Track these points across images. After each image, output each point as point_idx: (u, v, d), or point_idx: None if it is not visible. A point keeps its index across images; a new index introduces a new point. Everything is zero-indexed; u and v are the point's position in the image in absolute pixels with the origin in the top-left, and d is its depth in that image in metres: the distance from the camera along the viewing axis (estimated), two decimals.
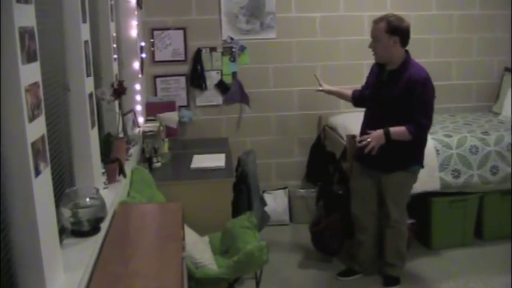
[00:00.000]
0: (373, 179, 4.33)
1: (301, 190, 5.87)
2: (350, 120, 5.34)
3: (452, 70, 6.12)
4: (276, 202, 5.75)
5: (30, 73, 1.92)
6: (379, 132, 3.99)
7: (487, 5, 6.07)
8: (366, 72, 5.85)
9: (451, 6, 5.99)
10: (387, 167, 4.19)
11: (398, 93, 4.01)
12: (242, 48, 5.75)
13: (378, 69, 4.22)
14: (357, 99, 4.55)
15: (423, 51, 5.84)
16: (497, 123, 5.52)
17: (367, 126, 4.15)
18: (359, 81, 5.87)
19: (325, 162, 5.59)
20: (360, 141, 4.08)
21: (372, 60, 4.29)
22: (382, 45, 4.03)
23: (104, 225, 2.75)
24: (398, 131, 4.00)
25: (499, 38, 6.17)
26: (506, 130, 5.18)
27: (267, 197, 5.48)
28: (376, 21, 4.04)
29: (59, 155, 2.69)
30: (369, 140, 3.98)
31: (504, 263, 4.75)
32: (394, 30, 3.97)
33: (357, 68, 5.96)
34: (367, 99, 4.33)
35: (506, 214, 5.14)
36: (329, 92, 4.78)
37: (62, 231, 2.53)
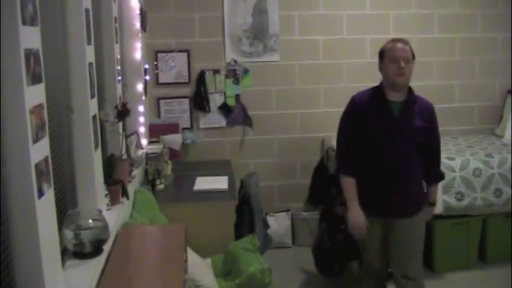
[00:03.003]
0: (383, 228, 3.76)
1: (304, 212, 5.86)
2: None
3: (454, 93, 6.14)
4: (278, 224, 5.74)
5: (35, 95, 1.93)
6: (432, 210, 3.87)
7: (489, 28, 6.11)
8: None
9: (453, 29, 6.02)
10: (406, 210, 3.67)
11: (423, 124, 3.59)
12: (245, 71, 5.77)
13: (379, 105, 3.61)
14: (353, 161, 3.71)
15: (425, 74, 5.87)
16: (500, 145, 5.52)
17: (387, 172, 3.58)
18: None
19: (328, 184, 5.58)
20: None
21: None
22: (411, 68, 3.54)
23: (107, 247, 2.75)
24: (436, 191, 3.91)
25: (500, 60, 6.19)
26: (509, 152, 5.17)
27: (270, 220, 5.47)
28: (403, 42, 3.57)
29: (62, 176, 2.70)
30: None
31: (507, 286, 4.72)
32: (414, 56, 3.58)
33: (358, 90, 5.96)
34: (380, 143, 3.59)
35: (510, 236, 5.12)
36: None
37: (64, 253, 2.52)
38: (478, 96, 6.15)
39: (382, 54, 3.62)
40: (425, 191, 3.77)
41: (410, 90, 3.64)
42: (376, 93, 3.66)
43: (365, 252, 3.92)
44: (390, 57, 3.53)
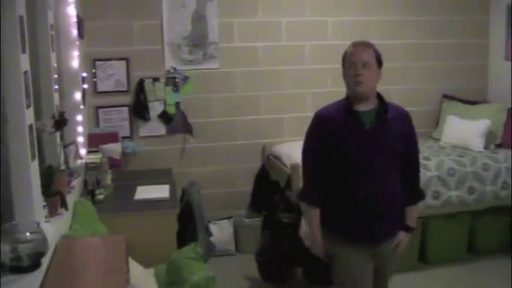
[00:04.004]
0: (368, 257, 3.31)
1: (247, 219, 5.86)
2: (294, 149, 5.36)
3: (392, 97, 6.18)
4: (221, 232, 5.72)
5: None
6: (405, 236, 3.33)
7: (425, 34, 6.26)
8: (309, 101, 5.98)
9: (391, 36, 6.13)
10: (390, 231, 3.32)
11: (399, 133, 3.23)
12: (185, 79, 5.74)
13: (347, 118, 3.20)
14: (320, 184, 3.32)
15: None
16: (438, 148, 5.67)
17: (361, 189, 3.16)
18: (302, 110, 5.97)
19: (270, 191, 5.60)
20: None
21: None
22: (372, 74, 3.14)
23: (45, 260, 2.68)
24: (416, 213, 3.42)
25: (436, 65, 6.36)
26: (446, 155, 5.31)
27: (213, 227, 5.45)
28: (363, 45, 3.20)
29: None
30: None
31: (496, 276, 5.03)
32: (381, 63, 3.21)
33: (299, 96, 6.03)
34: (353, 161, 3.16)
35: (449, 238, 5.26)
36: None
37: (0, 268, 2.45)
38: (416, 101, 6.27)
39: (343, 60, 3.23)
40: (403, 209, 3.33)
41: (380, 97, 3.24)
42: (342, 105, 3.23)
43: (352, 285, 3.30)
44: (348, 62, 3.17)
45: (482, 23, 6.47)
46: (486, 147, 5.63)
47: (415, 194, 3.39)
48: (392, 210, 3.24)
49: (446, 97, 6.38)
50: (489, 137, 5.69)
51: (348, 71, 3.16)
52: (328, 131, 3.22)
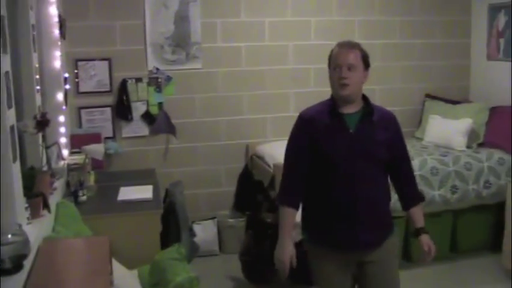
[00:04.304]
0: (350, 268, 3.18)
1: (230, 220, 5.86)
2: (277, 149, 5.38)
3: (375, 97, 6.24)
4: (205, 232, 5.71)
5: None
6: (427, 238, 3.19)
7: (407, 34, 6.29)
8: (292, 101, 6.00)
9: (374, 36, 6.16)
10: (374, 239, 3.13)
11: (385, 137, 3.11)
12: (168, 79, 5.73)
13: (331, 120, 3.09)
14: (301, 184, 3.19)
15: None
16: (421, 148, 5.70)
17: (342, 193, 3.05)
18: (285, 110, 5.99)
19: (253, 191, 5.60)
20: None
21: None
22: (358, 76, 3.03)
23: (28, 263, 2.66)
24: (421, 213, 3.25)
25: (419, 65, 6.40)
26: (429, 155, 5.34)
27: (196, 228, 5.45)
28: (349, 45, 3.09)
29: None
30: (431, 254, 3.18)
31: (478, 274, 5.13)
32: (368, 63, 3.12)
33: (282, 96, 6.04)
34: (336, 165, 3.05)
35: (432, 237, 5.28)
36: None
37: None
38: (398, 101, 6.30)
39: (329, 60, 3.12)
40: (391, 213, 3.23)
41: (365, 99, 3.14)
42: (327, 107, 3.12)
43: None
44: (333, 64, 3.06)
45: (464, 23, 6.53)
46: (469, 147, 5.68)
47: (414, 196, 3.26)
48: (374, 216, 3.09)
49: (429, 97, 6.42)
50: (471, 136, 5.74)
51: (333, 73, 3.05)
52: (311, 132, 3.11)
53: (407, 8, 6.30)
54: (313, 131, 3.10)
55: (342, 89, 3.01)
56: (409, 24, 6.32)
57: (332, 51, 3.11)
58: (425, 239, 3.17)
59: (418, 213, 3.22)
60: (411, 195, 3.25)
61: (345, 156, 3.03)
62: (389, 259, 3.19)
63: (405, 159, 3.24)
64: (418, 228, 3.20)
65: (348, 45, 3.08)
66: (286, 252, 3.12)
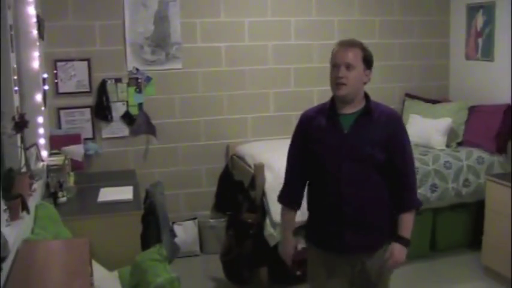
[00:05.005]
0: (346, 273, 3.13)
1: (211, 220, 5.85)
2: (257, 149, 5.40)
3: None
4: (185, 233, 5.71)
5: None
6: (399, 248, 3.07)
7: (386, 34, 6.33)
8: (272, 101, 6.01)
9: (353, 36, 6.15)
10: (364, 245, 3.08)
11: (381, 139, 3.00)
12: (148, 79, 5.71)
13: (328, 120, 3.05)
14: (302, 184, 3.23)
15: (325, 80, 5.98)
16: None
17: (331, 194, 3.02)
18: (265, 110, 6.01)
19: (233, 191, 5.59)
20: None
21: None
22: (356, 75, 2.96)
23: (6, 265, 2.64)
24: (409, 222, 3.11)
25: (398, 65, 6.45)
26: None
27: (177, 228, 5.44)
28: (349, 44, 3.02)
29: None
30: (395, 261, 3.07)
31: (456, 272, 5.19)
32: (370, 63, 3.05)
33: (262, 96, 6.05)
34: (327, 166, 3.03)
35: (412, 235, 5.32)
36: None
37: None
38: (378, 100, 6.27)
39: (330, 59, 3.05)
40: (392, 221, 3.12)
41: (367, 98, 3.07)
42: (326, 107, 3.08)
43: None
44: (332, 63, 3.00)
45: (442, 23, 6.58)
46: (448, 146, 5.73)
47: (405, 201, 3.10)
48: (364, 219, 3.02)
49: (409, 96, 6.46)
50: (451, 135, 5.79)
51: (331, 73, 3.00)
52: (307, 132, 3.10)
53: (387, 8, 6.35)
54: (309, 131, 3.09)
55: (338, 89, 2.96)
56: (388, 24, 6.37)
57: (333, 49, 3.04)
58: (395, 247, 3.05)
59: (404, 221, 3.08)
60: (404, 200, 3.10)
61: (333, 157, 2.98)
62: (382, 268, 3.11)
63: (404, 161, 3.09)
64: (398, 236, 3.07)
65: (348, 44, 3.01)
66: (287, 246, 3.29)
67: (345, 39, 3.10)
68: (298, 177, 3.20)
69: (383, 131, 3.00)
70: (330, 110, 3.05)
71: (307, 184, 3.23)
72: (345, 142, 2.97)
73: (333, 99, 3.08)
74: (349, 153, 2.96)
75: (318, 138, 3.04)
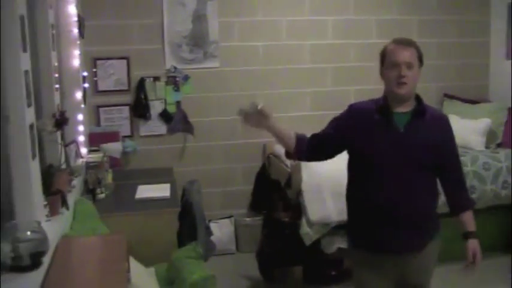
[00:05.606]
0: (393, 274, 3.11)
1: (247, 219, 5.86)
2: None
3: None
4: (221, 231, 5.73)
5: None
6: (476, 242, 3.10)
7: (426, 34, 6.25)
8: (308, 100, 6.00)
9: (390, 35, 6.11)
10: (414, 243, 3.06)
11: (435, 140, 3.00)
12: (185, 78, 5.74)
13: (380, 117, 3.00)
14: (314, 148, 3.19)
15: (362, 79, 5.95)
16: None
17: (383, 193, 2.97)
18: (301, 109, 5.99)
19: (270, 190, 5.60)
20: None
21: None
22: (415, 74, 2.96)
23: (46, 260, 2.68)
24: (472, 218, 3.14)
25: (437, 64, 6.35)
26: None
27: (213, 226, 5.46)
28: (407, 43, 3.03)
29: None
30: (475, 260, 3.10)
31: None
32: (422, 62, 3.04)
33: (298, 95, 6.03)
34: (379, 164, 2.98)
35: (449, 237, 5.26)
36: (268, 128, 3.34)
37: (1, 267, 2.45)
38: None
39: (382, 58, 3.05)
40: (437, 218, 3.15)
41: (418, 98, 3.05)
42: (377, 104, 3.04)
43: None
44: (390, 61, 2.97)
45: (483, 22, 6.47)
46: (487, 147, 5.64)
47: (464, 203, 3.15)
48: (418, 219, 3.00)
49: (447, 96, 6.38)
50: (490, 136, 5.70)
51: (390, 72, 2.96)
52: (357, 125, 3.04)
53: (425, 7, 6.26)
54: (358, 124, 3.04)
55: (400, 88, 2.93)
56: (428, 23, 6.28)
57: (386, 48, 3.04)
58: (473, 244, 3.08)
59: (468, 219, 3.11)
60: (461, 202, 3.14)
61: (392, 156, 2.95)
62: (429, 265, 3.16)
63: (455, 163, 3.14)
64: (467, 232, 3.10)
65: (405, 43, 3.01)
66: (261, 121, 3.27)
67: (398, 37, 3.09)
68: (319, 145, 3.17)
69: (436, 133, 3.00)
70: (382, 107, 3.01)
71: (348, 183, 3.17)
72: (401, 141, 2.95)
73: (384, 97, 3.05)
74: (405, 153, 2.94)
75: (369, 133, 3.00)
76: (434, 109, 3.13)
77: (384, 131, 2.97)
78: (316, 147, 3.17)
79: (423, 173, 2.98)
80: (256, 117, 3.21)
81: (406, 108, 2.99)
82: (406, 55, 2.93)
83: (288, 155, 3.31)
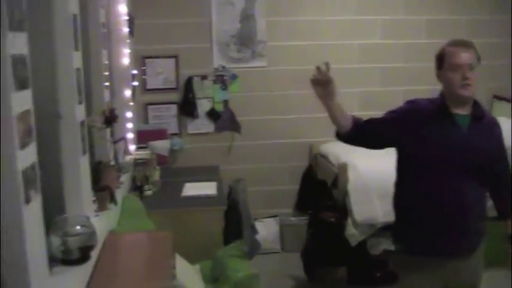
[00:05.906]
0: (442, 277, 3.05)
1: (292, 218, 5.86)
2: (341, 149, 5.32)
3: None
4: (267, 230, 5.74)
5: (22, 100, 1.91)
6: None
7: (474, 33, 6.13)
8: (356, 100, 5.96)
9: (439, 35, 6.04)
10: (475, 241, 3.07)
11: (491, 143, 3.03)
12: (233, 76, 5.77)
13: (440, 118, 2.96)
14: (366, 133, 3.17)
15: (411, 79, 5.89)
16: None
17: (443, 195, 2.93)
18: (349, 109, 5.92)
19: (316, 190, 5.58)
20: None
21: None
22: (476, 75, 2.93)
23: (94, 254, 2.73)
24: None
25: (485, 65, 6.18)
26: None
27: (258, 225, 5.46)
28: (467, 45, 2.98)
29: (49, 182, 2.67)
30: None
31: None
32: (479, 59, 2.99)
33: (346, 95, 5.99)
34: (438, 165, 2.93)
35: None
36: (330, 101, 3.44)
37: (51, 259, 2.50)
38: None
39: (441, 60, 2.99)
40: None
41: (475, 101, 3.01)
42: (437, 104, 3.00)
43: None
44: (451, 64, 2.91)
45: None
46: None
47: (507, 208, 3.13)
48: (474, 222, 2.98)
49: (497, 98, 6.25)
50: None
51: (452, 74, 2.91)
52: (415, 122, 2.99)
53: (476, 6, 6.13)
54: (417, 122, 2.99)
55: (465, 90, 2.89)
56: (476, 23, 6.13)
57: (444, 49, 3.00)
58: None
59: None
60: (504, 207, 3.14)
61: (453, 157, 2.91)
62: (479, 269, 3.13)
63: (505, 168, 3.12)
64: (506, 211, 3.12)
65: (466, 45, 2.97)
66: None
67: (457, 38, 3.05)
68: (371, 132, 3.14)
69: (492, 137, 3.02)
70: (442, 108, 2.97)
71: (397, 184, 3.14)
72: (464, 142, 2.92)
73: (442, 98, 3.00)
74: (466, 154, 2.91)
75: (427, 132, 2.95)
76: (488, 112, 3.15)
77: (446, 132, 2.93)
78: (369, 133, 3.14)
79: (478, 175, 2.95)
80: (324, 85, 3.32)
81: (465, 110, 2.96)
82: (467, 57, 2.90)
83: (339, 135, 3.30)
